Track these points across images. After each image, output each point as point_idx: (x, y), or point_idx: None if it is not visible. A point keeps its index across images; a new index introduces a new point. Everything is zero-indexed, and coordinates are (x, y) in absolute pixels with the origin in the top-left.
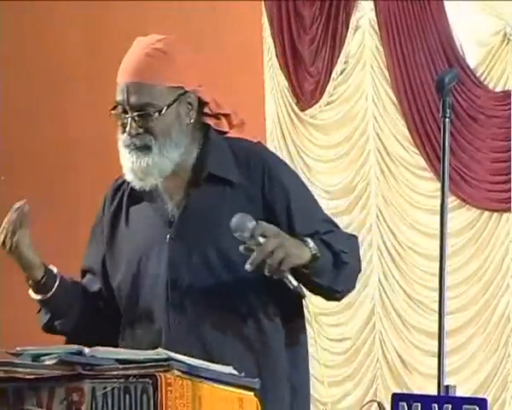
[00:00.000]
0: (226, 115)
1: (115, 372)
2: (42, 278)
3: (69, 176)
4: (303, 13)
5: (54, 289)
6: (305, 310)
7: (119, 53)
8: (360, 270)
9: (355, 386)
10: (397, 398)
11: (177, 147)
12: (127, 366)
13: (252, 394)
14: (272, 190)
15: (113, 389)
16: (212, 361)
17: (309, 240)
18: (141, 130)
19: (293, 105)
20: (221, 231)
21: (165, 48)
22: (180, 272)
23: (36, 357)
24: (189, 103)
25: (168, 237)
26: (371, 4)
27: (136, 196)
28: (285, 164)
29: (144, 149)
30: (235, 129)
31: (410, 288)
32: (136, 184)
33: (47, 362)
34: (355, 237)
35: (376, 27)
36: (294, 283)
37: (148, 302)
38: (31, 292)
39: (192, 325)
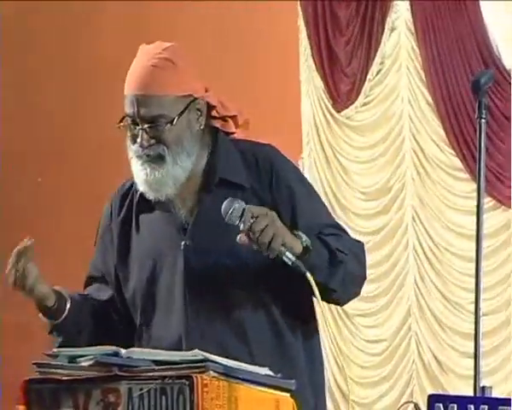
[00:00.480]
0: (232, 116)
1: (151, 373)
2: (53, 304)
3: (109, 177)
4: (339, 14)
5: (66, 313)
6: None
7: None
8: (364, 276)
9: (391, 387)
10: (433, 399)
11: (189, 155)
12: (163, 367)
13: (288, 395)
14: (279, 190)
15: (149, 390)
16: None
17: (301, 233)
18: (153, 141)
19: (329, 106)
20: (234, 235)
21: (171, 57)
22: (196, 278)
23: (72, 358)
24: (198, 110)
25: (183, 243)
26: (407, 5)
27: (146, 203)
28: (293, 166)
29: (158, 159)
30: (241, 128)
31: (446, 289)
32: (151, 196)
33: (83, 363)
34: (360, 243)
35: (412, 28)
36: (292, 258)
37: (164, 309)
38: (41, 316)
39: (210, 330)
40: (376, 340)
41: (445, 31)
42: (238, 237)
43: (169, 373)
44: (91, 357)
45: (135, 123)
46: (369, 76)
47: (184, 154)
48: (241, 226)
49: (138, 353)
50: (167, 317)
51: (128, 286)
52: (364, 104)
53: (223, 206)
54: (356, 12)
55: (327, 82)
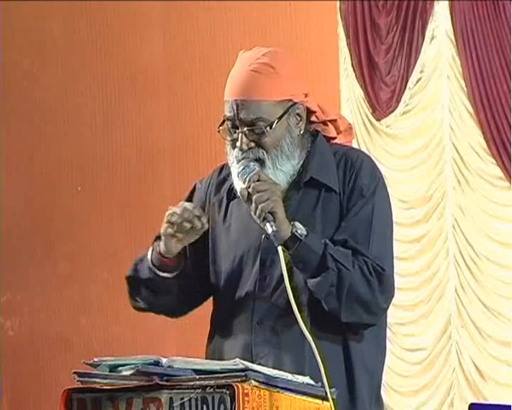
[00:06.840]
0: (333, 121)
1: (192, 383)
2: (176, 256)
3: (146, 186)
4: (379, 22)
5: (178, 271)
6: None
7: (200, 63)
8: (376, 303)
9: (431, 396)
10: (474, 408)
11: (290, 159)
12: (204, 376)
13: (328, 404)
14: (352, 192)
15: (190, 399)
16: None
17: (299, 224)
18: (252, 144)
19: (369, 115)
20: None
21: (271, 62)
22: (269, 271)
23: (113, 368)
24: (298, 115)
25: (263, 236)
26: (447, 14)
27: (236, 192)
28: (379, 183)
29: (257, 162)
30: (344, 134)
31: (487, 298)
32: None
33: (124, 373)
34: (382, 273)
35: (452, 37)
36: (273, 228)
37: (238, 304)
38: (151, 262)
39: (272, 331)
40: (416, 349)
41: (485, 39)
42: (239, 191)
43: (210, 382)
44: (132, 366)
45: (234, 126)
46: (409, 84)
47: (284, 157)
48: (246, 183)
49: (179, 362)
50: (239, 315)
51: (212, 268)
52: (404, 113)
53: (242, 163)
54: (396, 20)
55: (367, 90)
